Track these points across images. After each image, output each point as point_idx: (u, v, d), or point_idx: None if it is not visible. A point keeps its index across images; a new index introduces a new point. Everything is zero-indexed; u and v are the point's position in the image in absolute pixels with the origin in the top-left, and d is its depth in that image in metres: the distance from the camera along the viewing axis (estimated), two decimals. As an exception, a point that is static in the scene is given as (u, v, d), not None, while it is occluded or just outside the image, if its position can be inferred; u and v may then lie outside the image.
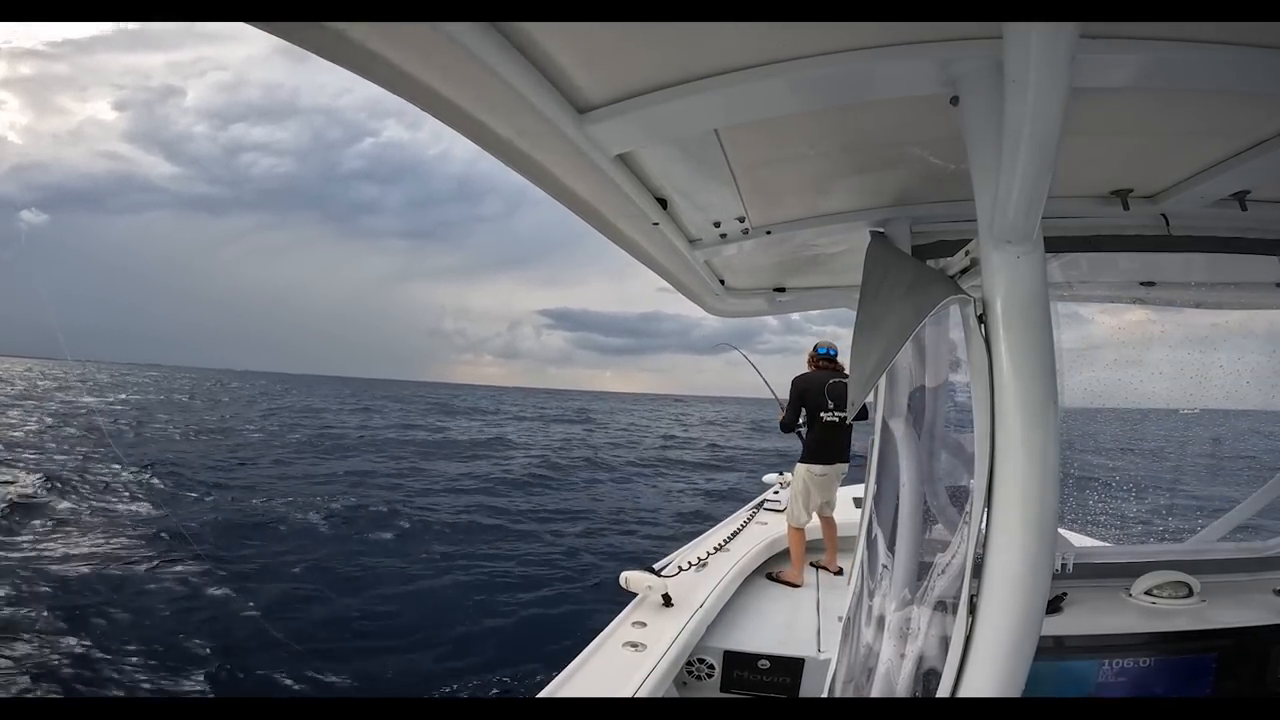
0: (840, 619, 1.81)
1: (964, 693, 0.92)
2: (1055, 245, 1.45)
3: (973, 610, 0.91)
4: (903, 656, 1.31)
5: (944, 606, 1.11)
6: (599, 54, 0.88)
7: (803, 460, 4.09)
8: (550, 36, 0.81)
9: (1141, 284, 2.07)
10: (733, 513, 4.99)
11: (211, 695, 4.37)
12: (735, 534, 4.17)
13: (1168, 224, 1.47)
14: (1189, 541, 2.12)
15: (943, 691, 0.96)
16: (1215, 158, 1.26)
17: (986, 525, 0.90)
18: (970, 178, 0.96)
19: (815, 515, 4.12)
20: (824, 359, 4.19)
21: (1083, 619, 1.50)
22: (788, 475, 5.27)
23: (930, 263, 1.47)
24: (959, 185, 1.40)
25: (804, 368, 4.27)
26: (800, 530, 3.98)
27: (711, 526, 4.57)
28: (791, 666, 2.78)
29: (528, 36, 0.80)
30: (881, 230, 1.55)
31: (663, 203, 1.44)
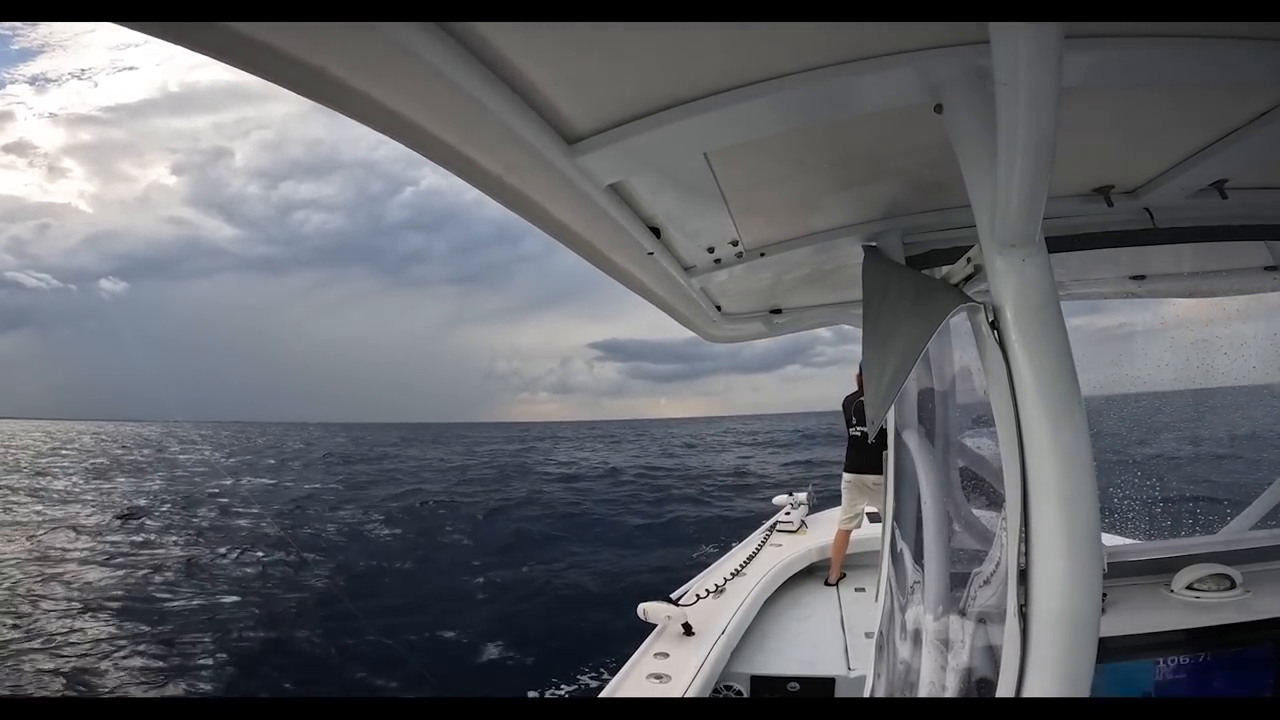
0: (868, 635, 1.74)
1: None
2: (1047, 246, 1.45)
3: (1024, 618, 0.87)
4: (944, 669, 1.25)
5: (988, 617, 1.06)
6: (585, 83, 0.88)
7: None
8: (536, 68, 0.80)
9: (1132, 278, 2.09)
10: (746, 537, 4.96)
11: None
12: (751, 558, 4.15)
13: (1152, 218, 1.48)
14: (1221, 532, 2.07)
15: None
16: (1191, 149, 1.27)
17: (1026, 531, 0.87)
18: (959, 184, 0.96)
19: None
20: None
21: (1128, 618, 1.44)
22: (798, 496, 5.36)
23: (927, 272, 1.47)
24: (947, 193, 1.41)
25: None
26: (842, 532, 4.22)
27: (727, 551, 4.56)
28: (823, 686, 2.69)
29: (513, 69, 0.79)
30: (874, 244, 1.56)
31: (656, 232, 1.42)
